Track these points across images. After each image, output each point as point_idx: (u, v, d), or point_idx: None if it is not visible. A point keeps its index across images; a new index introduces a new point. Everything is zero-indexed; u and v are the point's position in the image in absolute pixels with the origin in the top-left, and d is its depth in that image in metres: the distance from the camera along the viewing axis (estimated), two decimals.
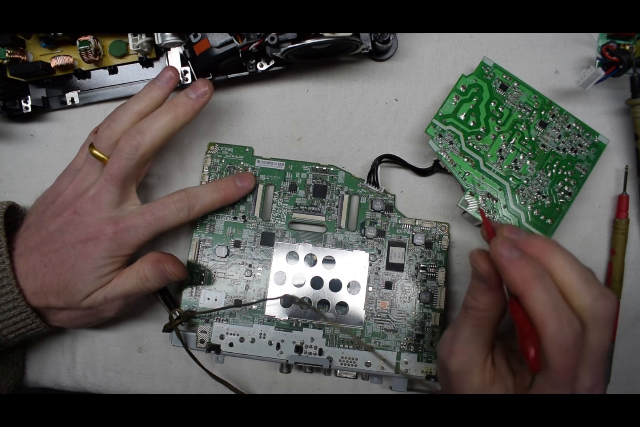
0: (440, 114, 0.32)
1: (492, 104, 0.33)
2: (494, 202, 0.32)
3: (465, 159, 0.32)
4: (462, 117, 0.33)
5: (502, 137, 0.33)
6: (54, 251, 0.29)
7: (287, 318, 0.33)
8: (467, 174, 0.32)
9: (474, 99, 0.33)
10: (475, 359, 0.26)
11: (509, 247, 0.23)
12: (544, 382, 0.23)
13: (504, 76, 0.33)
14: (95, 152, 0.30)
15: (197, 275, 0.33)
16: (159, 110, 0.30)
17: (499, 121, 0.33)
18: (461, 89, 0.33)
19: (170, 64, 0.34)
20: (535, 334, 0.22)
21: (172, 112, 0.29)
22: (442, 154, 0.32)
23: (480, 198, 0.32)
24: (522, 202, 0.32)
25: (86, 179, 0.30)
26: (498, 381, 0.26)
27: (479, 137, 0.33)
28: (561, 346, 0.22)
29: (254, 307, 0.33)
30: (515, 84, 0.33)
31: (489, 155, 0.33)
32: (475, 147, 0.32)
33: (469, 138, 0.32)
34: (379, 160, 0.34)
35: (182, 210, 0.30)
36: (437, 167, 0.34)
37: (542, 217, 0.32)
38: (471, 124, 0.33)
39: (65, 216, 0.30)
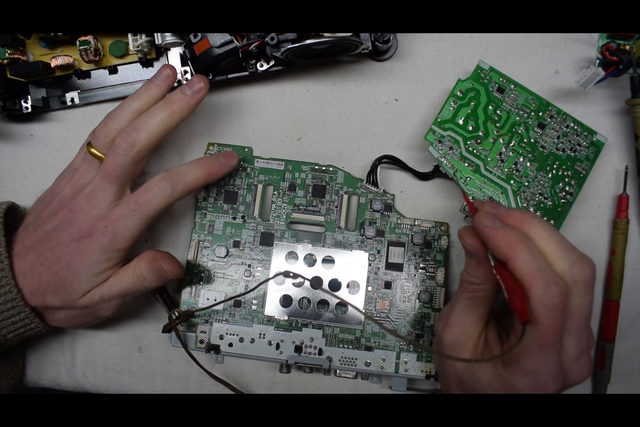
0: (438, 120, 0.32)
1: (490, 107, 0.33)
2: None
3: (466, 164, 0.32)
4: (460, 121, 0.32)
5: (501, 140, 0.33)
6: (49, 250, 0.29)
7: (286, 318, 0.33)
8: (468, 178, 0.32)
9: (472, 103, 0.33)
10: (468, 332, 0.27)
11: (491, 218, 0.25)
12: (532, 344, 0.23)
13: (501, 79, 0.33)
14: (92, 150, 0.30)
15: (196, 275, 0.33)
16: (155, 107, 0.30)
17: (497, 124, 0.33)
18: (458, 93, 0.33)
19: (169, 63, 0.34)
20: (522, 291, 0.23)
21: (168, 108, 0.29)
22: (442, 160, 0.32)
23: None
24: (525, 204, 0.32)
25: (83, 177, 0.30)
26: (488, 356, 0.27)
27: (479, 141, 0.33)
28: (549, 305, 0.23)
29: (253, 307, 0.33)
30: (512, 86, 0.33)
31: (489, 159, 0.33)
32: (475, 151, 0.32)
33: (468, 143, 0.32)
34: (379, 160, 0.34)
35: (165, 189, 0.29)
36: (437, 172, 0.34)
37: (544, 218, 0.32)
38: (470, 128, 0.33)
39: (60, 214, 0.30)
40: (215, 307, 0.33)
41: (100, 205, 0.29)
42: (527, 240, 0.24)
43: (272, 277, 0.33)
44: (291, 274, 0.32)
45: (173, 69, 0.30)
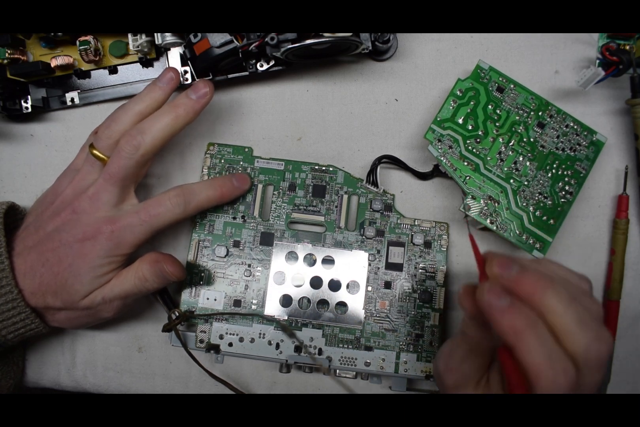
0: (438, 119, 0.32)
1: (490, 106, 0.33)
2: (496, 204, 0.32)
3: (466, 163, 0.32)
4: (460, 121, 0.33)
5: (501, 140, 0.33)
6: (51, 250, 0.29)
7: (286, 318, 0.33)
8: (467, 177, 0.32)
9: (472, 103, 0.33)
10: (469, 377, 0.26)
11: (498, 294, 0.22)
12: None
13: (500, 78, 0.33)
14: (95, 152, 0.30)
15: (196, 275, 0.33)
16: (160, 110, 0.30)
17: (497, 124, 0.33)
18: (458, 92, 0.33)
19: (170, 65, 0.34)
20: (525, 385, 0.21)
21: (173, 112, 0.29)
22: (442, 158, 0.32)
23: (482, 201, 0.32)
24: (524, 204, 0.32)
25: (85, 179, 0.30)
26: None
27: (478, 140, 0.33)
28: (555, 393, 0.21)
29: (253, 307, 0.33)
30: (512, 86, 0.33)
31: (488, 158, 0.33)
32: (474, 150, 0.32)
33: (468, 142, 0.32)
34: (379, 160, 0.34)
35: (178, 206, 0.30)
36: (436, 172, 0.34)
37: (544, 217, 0.32)
38: (470, 127, 0.33)
39: (63, 215, 0.29)
40: (216, 307, 0.33)
41: (104, 207, 0.29)
42: (535, 323, 0.22)
43: (267, 317, 0.33)
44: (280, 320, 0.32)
45: (176, 71, 0.30)
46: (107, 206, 0.29)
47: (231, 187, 0.32)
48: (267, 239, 0.34)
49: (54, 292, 0.29)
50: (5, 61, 0.33)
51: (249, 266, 0.33)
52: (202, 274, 0.33)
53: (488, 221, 0.32)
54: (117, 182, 0.29)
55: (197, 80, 0.30)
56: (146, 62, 0.34)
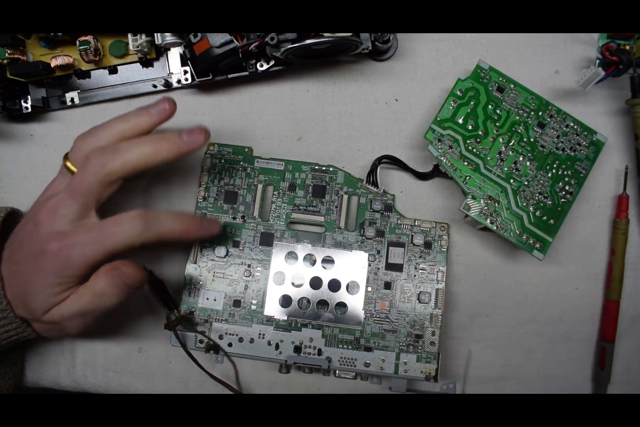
0: (438, 119, 0.32)
1: (490, 106, 0.33)
2: (496, 204, 0.32)
3: (466, 163, 0.32)
4: (460, 121, 0.33)
5: (501, 140, 0.33)
6: (15, 263, 0.28)
7: (286, 318, 0.33)
8: (468, 177, 0.32)
9: (472, 103, 0.33)
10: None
11: None
12: None
13: (500, 78, 0.33)
14: (67, 163, 0.28)
15: (196, 275, 0.33)
16: (145, 137, 0.28)
17: (497, 124, 0.33)
18: (458, 92, 0.33)
19: (170, 65, 0.34)
20: None
21: (156, 144, 0.27)
22: (442, 158, 0.32)
23: (482, 201, 0.32)
24: (524, 204, 0.32)
25: (54, 189, 0.29)
26: None
27: (478, 140, 0.33)
28: None
29: (253, 307, 0.33)
30: (512, 85, 0.33)
31: (488, 158, 0.33)
32: (474, 150, 0.32)
33: (468, 142, 0.32)
34: (379, 160, 0.34)
35: (136, 229, 0.27)
36: (436, 172, 0.34)
37: (544, 217, 0.32)
38: (470, 127, 0.33)
39: (27, 227, 0.28)
40: (215, 307, 0.33)
41: (61, 221, 0.27)
42: None
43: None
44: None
45: (172, 104, 0.29)
46: (64, 221, 0.27)
47: (198, 227, 0.29)
48: (266, 239, 0.34)
49: (23, 304, 0.28)
50: (5, 61, 0.33)
51: (249, 266, 0.33)
52: (202, 274, 0.33)
53: (488, 221, 0.32)
54: (77, 198, 0.27)
55: (194, 126, 0.28)
56: (146, 62, 0.34)
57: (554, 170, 0.33)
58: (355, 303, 0.33)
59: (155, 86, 0.35)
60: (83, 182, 0.27)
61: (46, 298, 0.27)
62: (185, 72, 0.34)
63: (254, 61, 0.33)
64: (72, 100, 0.35)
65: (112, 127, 0.28)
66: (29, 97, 0.34)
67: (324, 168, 0.34)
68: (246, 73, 0.33)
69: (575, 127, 0.34)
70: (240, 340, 0.33)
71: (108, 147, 0.27)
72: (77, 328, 0.29)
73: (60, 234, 0.27)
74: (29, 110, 0.34)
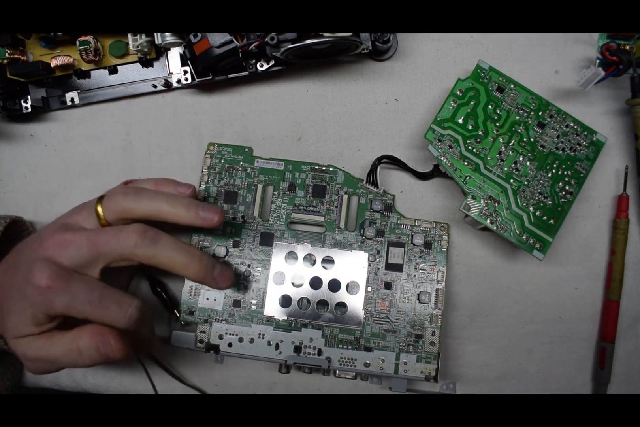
0: (438, 119, 0.32)
1: (490, 106, 0.33)
2: (496, 204, 0.32)
3: (466, 163, 0.32)
4: (460, 121, 0.33)
5: (501, 140, 0.33)
6: (8, 274, 0.27)
7: (286, 318, 0.33)
8: (468, 177, 0.32)
9: (472, 103, 0.33)
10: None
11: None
12: None
13: (500, 78, 0.33)
14: (98, 209, 0.28)
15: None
16: (169, 198, 0.28)
17: (497, 124, 0.33)
18: (458, 92, 0.33)
19: (170, 65, 0.34)
20: None
21: (176, 209, 0.28)
22: (442, 158, 0.32)
23: (482, 201, 0.32)
24: (524, 204, 0.32)
25: (78, 220, 0.29)
26: None
27: (478, 140, 0.33)
28: None
29: (253, 307, 0.33)
30: (512, 85, 0.33)
31: (489, 158, 0.33)
32: (474, 150, 0.32)
33: (468, 142, 0.32)
34: (379, 160, 0.34)
35: (129, 242, 0.26)
36: (436, 172, 0.34)
37: (544, 217, 0.32)
38: (470, 127, 0.33)
39: (33, 245, 0.27)
40: (215, 307, 0.33)
41: (65, 259, 0.26)
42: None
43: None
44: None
45: (221, 218, 0.29)
46: (67, 261, 0.26)
47: (204, 273, 0.28)
48: (266, 239, 0.34)
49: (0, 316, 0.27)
50: (5, 61, 0.33)
51: (249, 266, 0.33)
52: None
53: (488, 220, 0.32)
54: (94, 251, 0.26)
55: (212, 207, 0.29)
56: (146, 62, 0.34)
57: (554, 170, 0.33)
58: (355, 303, 0.33)
59: (155, 86, 0.35)
60: (108, 245, 0.26)
61: (19, 323, 0.26)
62: (185, 72, 0.34)
63: (254, 61, 0.33)
64: (72, 100, 0.35)
65: (156, 203, 0.28)
66: (29, 97, 0.34)
67: (324, 168, 0.34)
68: (246, 73, 0.33)
69: (575, 127, 0.34)
70: (240, 340, 0.33)
71: (149, 234, 0.27)
72: (35, 370, 0.27)
73: (57, 273, 0.26)
74: (29, 110, 0.34)
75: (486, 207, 0.32)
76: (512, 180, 0.33)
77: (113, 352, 0.26)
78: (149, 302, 0.35)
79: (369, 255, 0.33)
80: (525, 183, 0.33)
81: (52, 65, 0.33)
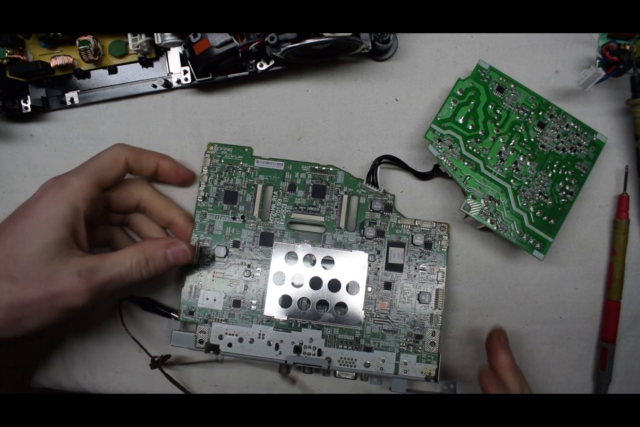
0: (438, 119, 0.32)
1: (490, 106, 0.33)
2: (496, 204, 0.32)
3: (466, 163, 0.32)
4: (460, 120, 0.32)
5: (501, 140, 0.33)
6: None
7: (286, 318, 0.33)
8: (468, 177, 0.32)
9: (472, 102, 0.33)
10: None
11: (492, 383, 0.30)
12: None
13: (500, 78, 0.33)
14: None
15: (196, 275, 0.33)
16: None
17: (497, 123, 0.33)
18: (458, 92, 0.33)
19: (170, 65, 0.34)
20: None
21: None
22: (442, 158, 0.32)
23: (482, 201, 0.32)
24: (525, 204, 0.32)
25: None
26: None
27: (479, 140, 0.33)
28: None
29: (253, 307, 0.33)
30: (512, 85, 0.33)
31: (489, 158, 0.33)
32: (475, 150, 0.32)
33: (468, 142, 0.32)
34: (379, 160, 0.34)
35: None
36: (436, 172, 0.34)
37: (544, 217, 0.32)
38: (470, 127, 0.33)
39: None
40: (215, 307, 0.33)
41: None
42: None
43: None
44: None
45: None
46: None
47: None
48: (266, 240, 0.34)
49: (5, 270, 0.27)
50: (5, 61, 0.33)
51: (249, 266, 0.33)
52: (202, 274, 0.33)
53: (488, 220, 0.32)
54: (87, 175, 0.29)
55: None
56: (146, 62, 0.34)
57: (554, 170, 0.33)
58: (355, 303, 0.33)
59: (155, 86, 0.35)
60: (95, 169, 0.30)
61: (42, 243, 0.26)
62: (185, 72, 0.34)
63: (253, 61, 0.33)
64: (71, 100, 0.35)
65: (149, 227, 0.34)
66: (28, 97, 0.34)
67: (324, 168, 0.34)
68: (246, 73, 0.33)
69: (576, 127, 0.34)
70: (240, 340, 0.33)
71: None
72: (91, 296, 0.27)
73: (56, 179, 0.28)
74: (29, 110, 0.34)
75: (486, 207, 0.32)
76: (512, 180, 0.32)
77: (186, 258, 0.30)
78: (148, 318, 0.35)
79: (369, 255, 0.33)
80: (526, 183, 0.33)
81: (51, 65, 0.33)
